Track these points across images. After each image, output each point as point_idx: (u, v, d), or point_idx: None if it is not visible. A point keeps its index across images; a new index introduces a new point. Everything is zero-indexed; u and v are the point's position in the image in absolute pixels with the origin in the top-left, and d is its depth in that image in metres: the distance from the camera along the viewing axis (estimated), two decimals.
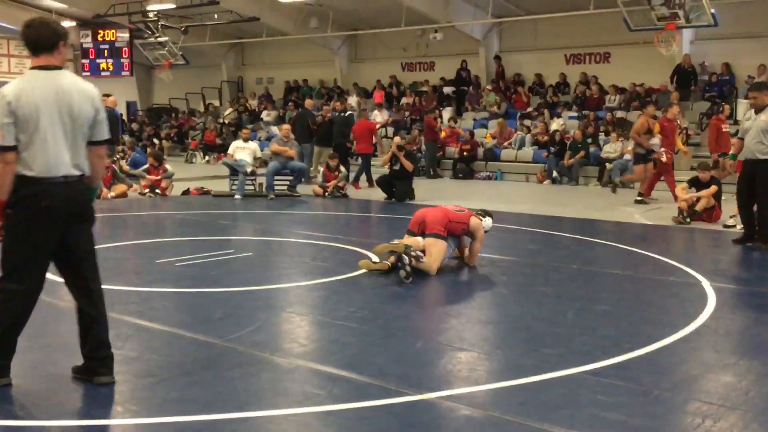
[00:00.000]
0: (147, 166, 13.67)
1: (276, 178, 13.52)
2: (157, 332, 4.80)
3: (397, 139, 13.98)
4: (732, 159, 9.26)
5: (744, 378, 4.08)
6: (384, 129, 21.07)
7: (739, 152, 8.76)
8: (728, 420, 3.47)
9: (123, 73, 25.14)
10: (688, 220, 10.46)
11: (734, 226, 10.12)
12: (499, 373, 4.18)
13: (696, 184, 10.76)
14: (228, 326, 4.92)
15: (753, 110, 8.66)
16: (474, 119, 21.13)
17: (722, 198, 10.85)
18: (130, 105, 29.03)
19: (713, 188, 10.56)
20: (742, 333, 5.03)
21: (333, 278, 6.52)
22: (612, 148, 16.76)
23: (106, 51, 24.86)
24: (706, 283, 6.45)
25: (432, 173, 18.57)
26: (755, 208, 8.64)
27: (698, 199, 10.55)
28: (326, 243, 8.48)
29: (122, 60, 24.72)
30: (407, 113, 21.65)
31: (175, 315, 5.37)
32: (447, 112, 21.03)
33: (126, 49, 24.58)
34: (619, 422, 3.41)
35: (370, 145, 15.71)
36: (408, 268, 6.16)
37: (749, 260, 8.17)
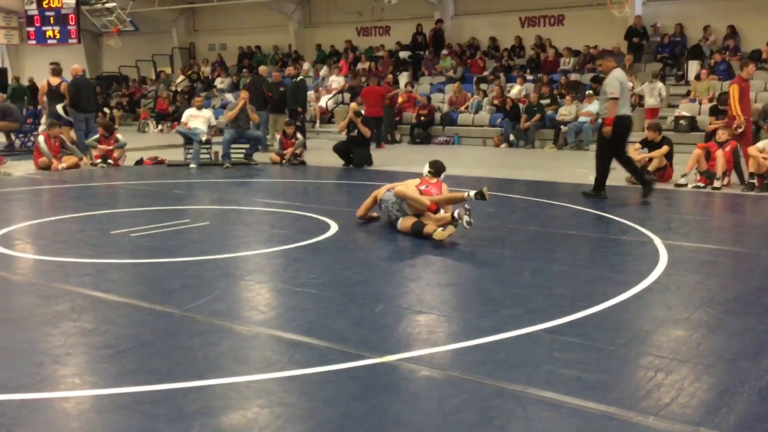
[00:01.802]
0: (98, 135, 13.36)
1: (232, 146, 13.36)
2: (114, 304, 4.74)
3: (353, 105, 13.91)
4: None
5: (695, 332, 4.21)
6: (340, 95, 20.93)
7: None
8: (680, 373, 3.57)
9: (70, 41, 24.33)
10: None
11: (686, 185, 10.36)
12: (458, 334, 4.24)
13: (648, 144, 10.94)
14: (186, 296, 4.88)
15: None
16: (431, 84, 21.08)
17: (673, 158, 11.06)
18: None
19: (665, 148, 10.76)
20: (693, 289, 5.16)
21: (292, 245, 6.50)
22: (567, 110, 16.91)
23: (51, 18, 24.00)
24: (658, 242, 6.60)
25: (389, 139, 18.53)
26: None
27: (650, 160, 10.74)
28: (285, 210, 8.43)
29: (69, 27, 23.90)
30: (363, 78, 21.51)
31: (132, 286, 5.30)
32: (403, 77, 20.94)
33: (72, 15, 23.74)
34: (575, 378, 3.49)
35: (380, 108, 16.06)
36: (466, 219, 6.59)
37: (700, 218, 8.37)
